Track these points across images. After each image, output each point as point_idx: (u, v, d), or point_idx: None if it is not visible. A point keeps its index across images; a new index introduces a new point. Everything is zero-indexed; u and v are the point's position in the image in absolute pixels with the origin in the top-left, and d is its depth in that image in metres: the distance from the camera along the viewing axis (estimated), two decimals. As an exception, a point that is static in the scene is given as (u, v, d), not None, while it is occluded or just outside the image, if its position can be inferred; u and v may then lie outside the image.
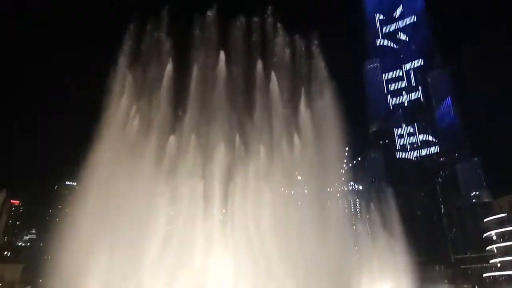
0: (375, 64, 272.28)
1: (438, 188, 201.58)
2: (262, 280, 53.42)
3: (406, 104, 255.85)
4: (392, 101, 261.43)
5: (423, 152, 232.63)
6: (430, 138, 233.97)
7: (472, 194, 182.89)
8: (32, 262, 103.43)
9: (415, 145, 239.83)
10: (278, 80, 67.81)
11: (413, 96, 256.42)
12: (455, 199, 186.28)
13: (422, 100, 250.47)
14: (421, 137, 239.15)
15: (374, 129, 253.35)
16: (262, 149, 75.89)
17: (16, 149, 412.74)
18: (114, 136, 64.33)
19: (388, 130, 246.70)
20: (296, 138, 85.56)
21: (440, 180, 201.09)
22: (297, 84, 75.54)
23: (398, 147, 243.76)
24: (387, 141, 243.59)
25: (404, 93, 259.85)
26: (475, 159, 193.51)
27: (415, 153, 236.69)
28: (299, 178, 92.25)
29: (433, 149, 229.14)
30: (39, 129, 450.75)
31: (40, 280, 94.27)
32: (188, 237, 54.72)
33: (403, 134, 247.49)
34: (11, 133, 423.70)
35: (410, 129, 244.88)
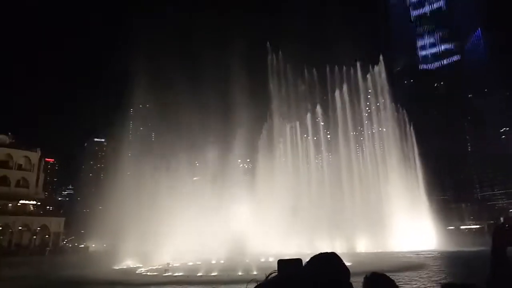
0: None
1: (465, 124, 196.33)
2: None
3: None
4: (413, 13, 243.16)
5: (445, 61, 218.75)
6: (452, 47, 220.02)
7: (501, 130, 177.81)
8: (73, 215, 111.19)
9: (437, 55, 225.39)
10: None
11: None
12: (483, 135, 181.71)
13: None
14: (443, 47, 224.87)
15: (398, 68, 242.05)
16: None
17: (46, 111, 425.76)
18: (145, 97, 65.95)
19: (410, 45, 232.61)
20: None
21: (469, 117, 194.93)
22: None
23: (420, 59, 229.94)
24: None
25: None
26: (507, 93, 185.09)
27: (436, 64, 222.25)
28: (322, 124, 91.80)
29: (455, 58, 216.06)
30: (66, 90, 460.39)
31: (82, 231, 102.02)
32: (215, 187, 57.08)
33: (425, 45, 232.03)
34: (41, 96, 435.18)
35: (432, 40, 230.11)
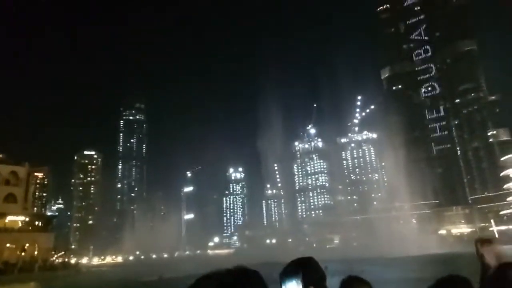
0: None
1: (453, 129, 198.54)
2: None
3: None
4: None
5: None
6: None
7: (489, 134, 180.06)
8: (62, 230, 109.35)
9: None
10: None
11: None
12: (471, 139, 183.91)
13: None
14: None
15: (387, 74, 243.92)
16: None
17: (33, 123, 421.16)
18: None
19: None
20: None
21: (456, 121, 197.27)
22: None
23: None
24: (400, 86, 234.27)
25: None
26: (493, 97, 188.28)
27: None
28: (312, 131, 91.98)
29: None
30: (54, 102, 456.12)
31: (72, 246, 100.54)
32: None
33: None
34: (29, 109, 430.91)
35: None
